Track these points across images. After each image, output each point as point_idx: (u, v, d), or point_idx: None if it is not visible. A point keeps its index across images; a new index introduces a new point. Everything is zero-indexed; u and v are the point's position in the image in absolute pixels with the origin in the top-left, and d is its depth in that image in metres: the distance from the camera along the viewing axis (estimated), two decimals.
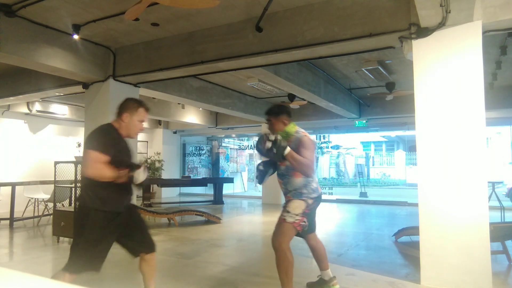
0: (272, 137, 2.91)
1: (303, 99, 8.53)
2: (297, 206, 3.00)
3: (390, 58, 6.50)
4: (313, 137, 17.37)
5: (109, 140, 2.53)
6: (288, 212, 3.01)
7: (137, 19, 4.64)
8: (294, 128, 3.15)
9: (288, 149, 2.93)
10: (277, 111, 3.17)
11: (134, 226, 2.70)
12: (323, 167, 24.07)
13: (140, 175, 2.45)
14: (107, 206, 2.47)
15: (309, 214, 3.07)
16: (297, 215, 2.98)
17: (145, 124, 2.80)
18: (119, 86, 6.03)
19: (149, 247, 2.74)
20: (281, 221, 3.02)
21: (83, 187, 2.59)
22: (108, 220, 2.49)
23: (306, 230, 3.14)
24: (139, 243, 2.71)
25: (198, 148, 15.77)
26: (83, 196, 2.53)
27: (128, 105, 2.66)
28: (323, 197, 14.86)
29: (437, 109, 3.68)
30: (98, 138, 2.52)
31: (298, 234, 3.11)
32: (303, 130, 3.15)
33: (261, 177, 3.27)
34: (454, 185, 3.55)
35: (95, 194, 2.47)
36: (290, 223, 2.98)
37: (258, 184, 3.67)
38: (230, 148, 17.52)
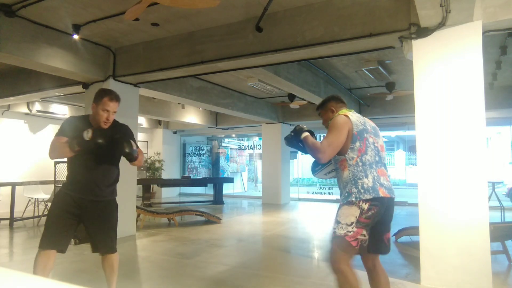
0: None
1: (303, 99, 8.53)
2: (348, 213, 2.27)
3: (390, 58, 6.50)
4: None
5: (69, 126, 2.69)
6: (338, 222, 2.30)
7: (137, 19, 4.64)
8: (344, 112, 2.52)
9: (305, 133, 2.47)
10: (323, 102, 2.72)
11: (97, 223, 2.74)
12: None
13: (85, 134, 2.45)
14: (64, 188, 2.72)
15: (368, 225, 2.27)
16: (349, 225, 2.24)
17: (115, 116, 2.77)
18: (119, 86, 6.03)
19: (105, 249, 2.77)
20: (332, 236, 2.33)
21: None
22: (64, 200, 2.68)
23: (366, 247, 2.32)
24: (97, 241, 2.76)
25: (198, 148, 15.78)
26: None
27: (95, 95, 2.70)
28: (323, 197, 14.44)
29: (437, 109, 3.68)
30: (60, 126, 2.72)
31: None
32: (350, 113, 2.48)
33: (287, 139, 2.66)
34: (454, 185, 3.55)
35: (65, 178, 2.76)
36: (341, 236, 2.25)
37: (312, 174, 2.84)
38: (230, 148, 17.53)
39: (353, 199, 2.28)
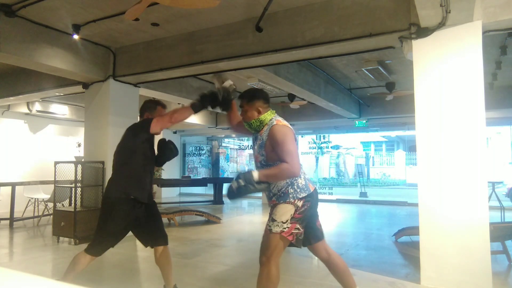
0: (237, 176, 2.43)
1: (303, 99, 8.53)
2: (284, 212, 2.45)
3: (390, 58, 6.50)
4: (312, 136, 17.40)
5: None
6: (274, 220, 2.46)
7: (137, 19, 4.63)
8: (270, 116, 2.57)
9: (255, 173, 2.36)
10: (251, 96, 2.62)
11: (151, 219, 2.95)
12: (323, 167, 24.07)
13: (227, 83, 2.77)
14: (132, 194, 2.75)
15: (303, 219, 2.48)
16: (284, 222, 2.42)
17: None
18: (119, 86, 6.03)
19: (164, 240, 3.03)
20: (267, 233, 2.48)
21: (110, 180, 2.88)
22: (131, 209, 2.77)
23: (303, 239, 2.56)
24: (154, 236, 2.99)
25: (198, 148, 15.78)
26: (109, 188, 2.84)
27: (147, 106, 3.02)
28: (323, 197, 14.63)
29: (437, 109, 3.67)
30: (142, 121, 2.93)
31: (291, 244, 2.53)
32: (279, 118, 2.56)
33: (237, 192, 2.41)
34: (454, 185, 3.55)
35: (121, 184, 2.78)
36: (277, 234, 2.43)
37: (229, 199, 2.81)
38: (230, 148, 17.53)
39: (290, 199, 2.46)
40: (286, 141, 2.39)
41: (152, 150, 2.92)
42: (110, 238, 2.77)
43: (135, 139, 2.81)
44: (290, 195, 2.46)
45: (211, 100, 2.75)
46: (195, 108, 2.74)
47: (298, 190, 2.47)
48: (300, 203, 2.46)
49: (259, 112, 2.58)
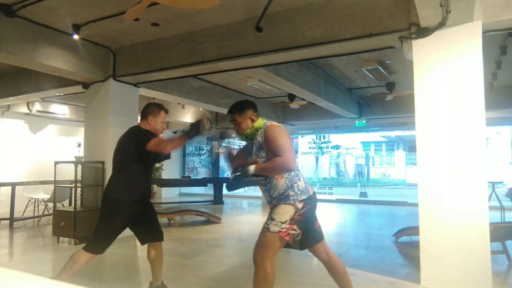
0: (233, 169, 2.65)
1: (303, 99, 8.53)
2: (284, 212, 2.49)
3: (390, 58, 6.50)
4: (312, 136, 17.39)
5: (150, 132, 3.05)
6: (272, 219, 2.50)
7: (137, 19, 4.64)
8: (262, 121, 2.65)
9: (252, 167, 2.50)
10: (241, 107, 2.66)
11: (147, 216, 3.08)
12: (323, 167, 24.08)
13: (206, 125, 2.85)
14: (129, 196, 2.90)
15: (301, 221, 2.52)
16: (283, 222, 2.47)
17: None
18: (119, 86, 6.03)
19: (158, 236, 3.14)
20: (264, 231, 2.51)
21: (110, 180, 3.04)
22: (129, 208, 2.91)
23: (303, 242, 2.61)
24: (150, 232, 3.10)
25: (198, 148, 15.77)
26: (110, 187, 2.98)
27: (151, 109, 3.10)
28: (323, 197, 14.61)
29: (437, 109, 3.68)
30: (145, 132, 3.01)
31: (288, 246, 2.58)
32: (272, 121, 2.64)
33: (234, 182, 2.60)
34: (454, 185, 3.55)
35: (120, 185, 2.93)
36: (275, 233, 2.47)
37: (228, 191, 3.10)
38: (230, 148, 17.51)
39: (291, 201, 2.50)
40: (278, 138, 2.47)
41: (149, 155, 3.00)
42: (111, 236, 2.91)
43: (137, 146, 2.92)
44: (291, 197, 2.51)
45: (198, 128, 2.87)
46: (189, 137, 2.87)
47: (299, 192, 2.51)
48: (300, 205, 2.50)
49: (253, 121, 2.66)
